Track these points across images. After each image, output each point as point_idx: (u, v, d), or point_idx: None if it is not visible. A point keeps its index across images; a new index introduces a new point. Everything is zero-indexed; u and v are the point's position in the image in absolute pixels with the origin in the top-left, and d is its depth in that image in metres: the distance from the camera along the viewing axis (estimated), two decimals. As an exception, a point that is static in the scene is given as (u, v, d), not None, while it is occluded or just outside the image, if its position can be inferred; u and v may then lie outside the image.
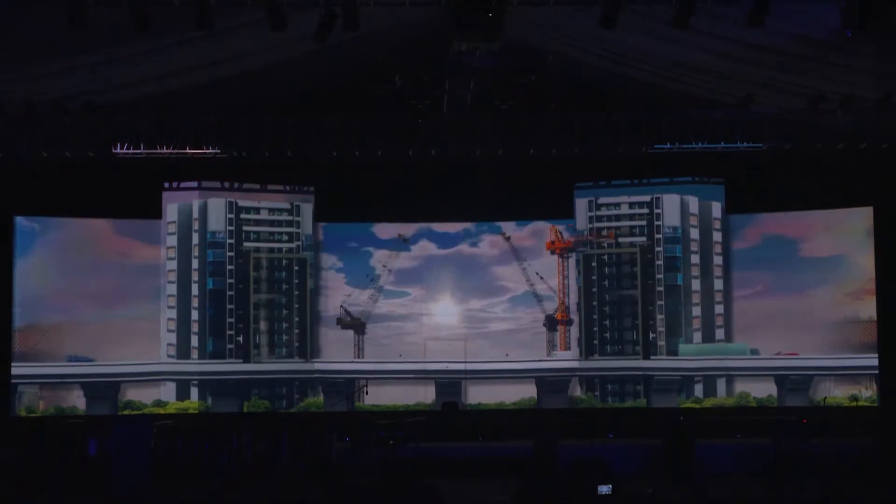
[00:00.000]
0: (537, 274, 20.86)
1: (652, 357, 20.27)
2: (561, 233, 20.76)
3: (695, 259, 20.31)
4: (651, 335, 20.35)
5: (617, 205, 20.73)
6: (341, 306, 20.71)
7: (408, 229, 20.87)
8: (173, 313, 20.13)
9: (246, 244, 20.44)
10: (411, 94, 16.79)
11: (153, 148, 17.61)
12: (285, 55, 15.02)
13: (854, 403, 18.03)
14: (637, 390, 20.36)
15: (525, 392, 20.64)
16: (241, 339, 20.29)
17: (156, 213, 20.02)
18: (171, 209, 20.18)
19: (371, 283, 20.83)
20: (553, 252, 20.81)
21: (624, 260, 20.71)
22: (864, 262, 19.21)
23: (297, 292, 20.65)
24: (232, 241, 20.37)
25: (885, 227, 18.86)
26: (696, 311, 20.26)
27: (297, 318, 20.61)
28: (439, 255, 20.91)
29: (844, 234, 19.61)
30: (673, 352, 20.21)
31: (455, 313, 20.92)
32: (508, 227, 20.92)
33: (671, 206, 20.40)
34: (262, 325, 20.52)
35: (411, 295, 20.94)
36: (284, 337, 20.56)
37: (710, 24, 13.37)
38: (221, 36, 13.61)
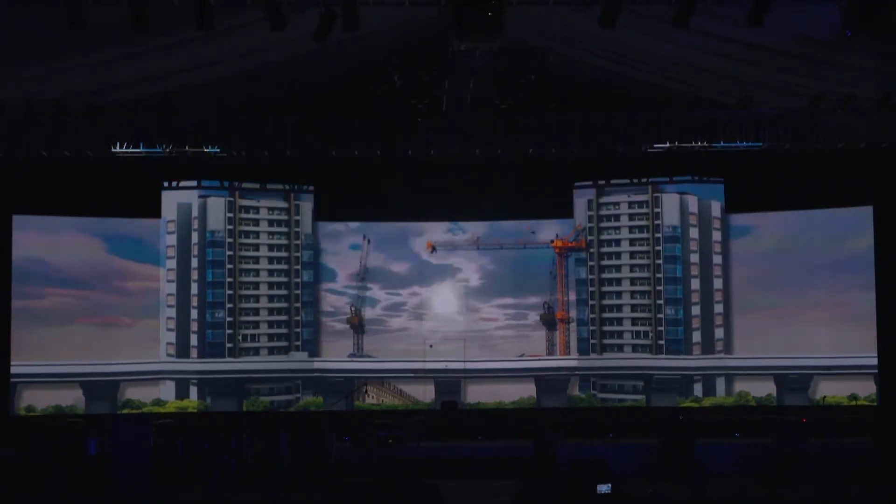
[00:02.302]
0: (555, 274, 20.89)
1: (652, 356, 20.27)
2: (579, 233, 20.72)
3: (694, 258, 20.31)
4: (650, 335, 20.35)
5: (616, 204, 20.73)
6: (350, 304, 20.71)
7: (408, 229, 20.87)
8: (172, 312, 20.11)
9: (245, 243, 20.43)
10: (411, 93, 16.81)
11: (153, 147, 17.61)
12: (285, 55, 15.03)
13: (853, 403, 18.02)
14: (637, 389, 20.36)
15: (524, 391, 20.64)
16: (240, 338, 20.29)
17: (155, 212, 20.01)
18: (171, 208, 20.16)
19: (371, 282, 20.83)
20: (558, 252, 20.81)
21: (623, 259, 20.71)
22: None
23: (296, 291, 20.65)
24: (231, 240, 20.36)
25: (885, 227, 18.86)
26: (696, 310, 20.25)
27: (296, 318, 20.61)
28: (438, 255, 20.90)
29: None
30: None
31: (455, 312, 20.92)
32: (508, 226, 20.91)
33: (670, 206, 20.39)
34: (262, 325, 20.52)
35: (411, 294, 20.94)
36: (284, 336, 20.55)
37: (710, 24, 13.38)
38: (221, 36, 13.61)
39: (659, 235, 20.43)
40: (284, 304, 20.60)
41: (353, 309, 20.74)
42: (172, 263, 20.19)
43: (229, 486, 14.92)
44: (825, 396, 18.80)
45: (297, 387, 20.49)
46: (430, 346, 20.65)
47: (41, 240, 19.45)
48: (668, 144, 17.95)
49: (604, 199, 20.72)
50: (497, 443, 17.61)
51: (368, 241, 20.79)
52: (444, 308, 20.95)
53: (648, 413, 19.76)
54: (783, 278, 19.87)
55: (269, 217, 20.64)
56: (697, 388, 20.14)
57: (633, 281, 20.61)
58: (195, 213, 20.19)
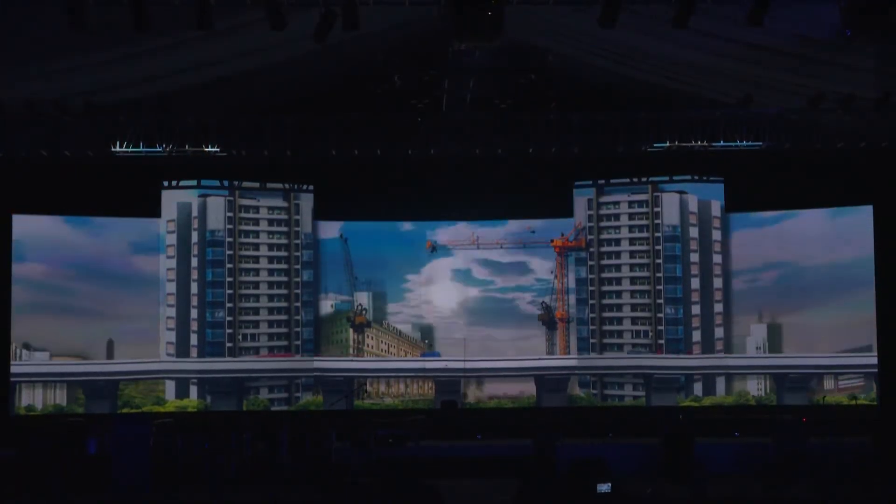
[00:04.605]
0: (555, 273, 20.88)
1: (651, 356, 20.27)
2: (579, 233, 20.72)
3: (694, 258, 20.31)
4: (650, 334, 20.35)
5: (616, 203, 20.73)
6: (357, 303, 20.72)
7: (406, 228, 20.88)
8: (172, 312, 20.11)
9: (245, 243, 20.44)
10: (411, 93, 16.80)
11: (153, 147, 17.60)
12: (285, 55, 15.02)
13: (853, 402, 18.03)
14: (636, 389, 20.36)
15: (524, 391, 20.66)
16: (240, 337, 20.29)
17: (155, 212, 20.01)
18: (171, 208, 20.16)
19: (370, 281, 20.84)
20: (557, 251, 20.81)
21: (623, 258, 20.71)
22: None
23: (296, 291, 20.65)
24: (231, 239, 20.36)
25: (885, 227, 18.86)
26: (696, 309, 20.25)
27: (296, 317, 20.61)
28: (438, 254, 20.90)
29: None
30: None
31: (455, 312, 20.92)
32: (508, 226, 20.91)
33: (670, 205, 20.40)
34: (262, 324, 20.52)
35: (411, 294, 20.94)
36: (284, 335, 20.55)
37: (710, 24, 13.37)
38: (221, 36, 13.60)
39: (659, 235, 20.44)
40: (284, 304, 20.60)
41: (357, 307, 20.75)
42: (172, 263, 20.19)
43: (229, 486, 14.92)
44: (825, 396, 18.82)
45: (297, 387, 20.50)
46: (430, 344, 20.68)
47: (42, 239, 19.45)
48: (668, 144, 17.93)
49: (604, 199, 20.73)
50: (497, 443, 17.62)
51: (346, 240, 20.81)
52: (444, 307, 20.94)
53: (648, 413, 19.77)
54: (783, 278, 19.90)
55: (269, 217, 20.65)
56: (697, 388, 20.14)
57: (633, 280, 20.62)
58: (195, 212, 20.20)
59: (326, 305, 20.83)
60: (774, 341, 19.95)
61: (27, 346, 19.23)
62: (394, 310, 20.91)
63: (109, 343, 19.72)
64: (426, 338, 20.81)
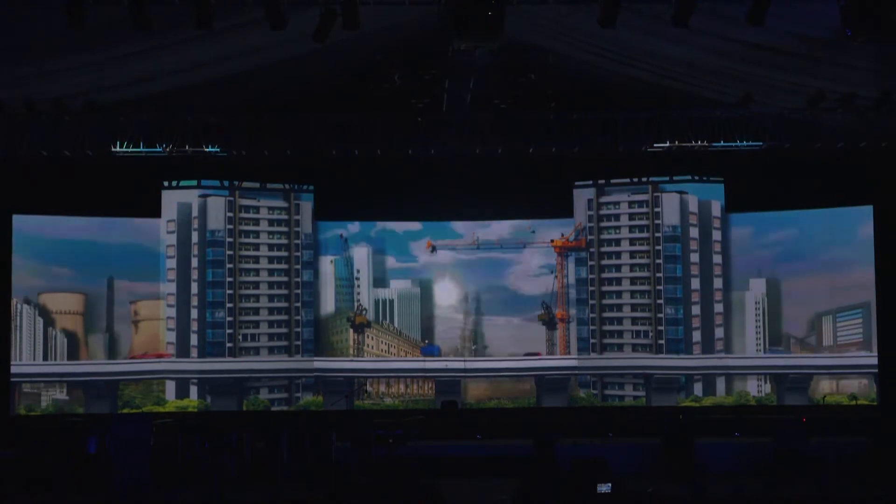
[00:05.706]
0: (555, 273, 20.88)
1: (652, 356, 20.27)
2: (579, 233, 20.71)
3: (694, 258, 20.31)
4: (650, 334, 20.35)
5: (616, 204, 20.73)
6: (357, 302, 20.72)
7: (406, 228, 20.89)
8: (173, 312, 20.10)
9: (245, 243, 20.44)
10: (411, 93, 16.81)
11: (153, 147, 17.59)
12: (285, 54, 15.03)
13: (853, 402, 18.03)
14: (636, 389, 20.36)
15: (524, 391, 20.66)
16: (240, 337, 20.29)
17: (155, 212, 20.00)
18: (171, 208, 20.15)
19: (370, 281, 20.84)
20: (557, 251, 20.81)
21: (623, 258, 20.71)
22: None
23: (296, 291, 20.65)
24: (231, 239, 20.36)
25: (885, 227, 18.86)
26: (696, 309, 20.25)
27: (296, 317, 20.61)
28: (438, 254, 20.90)
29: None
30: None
31: (455, 311, 20.92)
32: (508, 225, 20.91)
33: (670, 205, 20.40)
34: (262, 324, 20.52)
35: (411, 292, 20.94)
36: (284, 335, 20.55)
37: (710, 23, 13.38)
38: (221, 35, 13.61)
39: (659, 235, 20.43)
40: (284, 304, 20.59)
41: (356, 307, 20.76)
42: (172, 263, 20.18)
43: (229, 486, 14.90)
44: (825, 396, 18.82)
45: (297, 387, 20.49)
46: (427, 342, 20.70)
47: (41, 239, 19.45)
48: (667, 144, 17.93)
49: (604, 199, 20.72)
50: (497, 443, 17.61)
51: (346, 240, 20.82)
52: (444, 307, 20.94)
53: (648, 413, 19.76)
54: (783, 277, 19.92)
55: (269, 217, 20.64)
56: (698, 388, 20.14)
57: (633, 280, 20.61)
58: (195, 212, 20.19)
59: (326, 305, 20.82)
60: (773, 296, 19.98)
61: (27, 302, 19.25)
62: (393, 264, 20.88)
63: (110, 280, 19.73)
64: (425, 294, 20.80)
